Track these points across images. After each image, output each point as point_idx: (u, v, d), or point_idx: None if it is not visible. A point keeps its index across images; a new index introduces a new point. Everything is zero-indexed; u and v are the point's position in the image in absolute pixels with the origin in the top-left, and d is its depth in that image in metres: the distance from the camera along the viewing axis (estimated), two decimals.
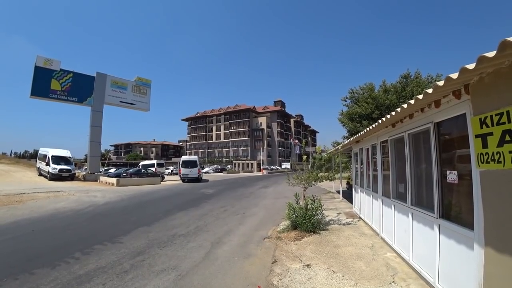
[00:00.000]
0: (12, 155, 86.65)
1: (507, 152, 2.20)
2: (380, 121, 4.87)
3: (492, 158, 2.38)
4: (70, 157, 26.27)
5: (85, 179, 26.11)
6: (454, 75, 2.25)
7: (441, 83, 2.47)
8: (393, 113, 4.05)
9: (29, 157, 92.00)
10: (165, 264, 4.82)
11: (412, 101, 3.21)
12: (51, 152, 24.97)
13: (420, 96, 2.94)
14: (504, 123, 2.23)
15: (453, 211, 3.37)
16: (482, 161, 2.52)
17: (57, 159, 24.51)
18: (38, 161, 28.04)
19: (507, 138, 2.19)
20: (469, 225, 2.79)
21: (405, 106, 3.45)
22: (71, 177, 24.39)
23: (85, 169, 34.56)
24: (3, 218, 8.70)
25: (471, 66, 2.05)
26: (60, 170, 23.62)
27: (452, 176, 3.22)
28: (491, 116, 2.38)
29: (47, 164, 24.12)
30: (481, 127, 2.52)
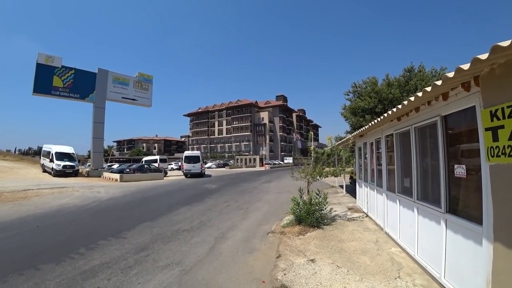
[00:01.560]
0: (17, 152, 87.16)
1: None
2: (385, 114, 4.79)
3: (503, 151, 2.31)
4: (73, 153, 26.38)
5: (88, 175, 26.25)
6: (465, 66, 2.18)
7: (451, 74, 2.40)
8: (399, 106, 3.98)
9: (33, 154, 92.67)
10: (169, 259, 4.83)
11: (419, 94, 3.13)
12: (54, 148, 25.08)
13: (428, 89, 2.86)
14: None
15: (461, 205, 3.32)
16: (492, 154, 2.46)
17: (61, 156, 24.63)
18: (42, 157, 28.20)
19: None
20: (478, 220, 2.74)
21: (412, 99, 3.38)
22: (75, 173, 24.52)
23: (89, 165, 34.75)
24: (8, 214, 8.76)
25: (483, 56, 1.97)
26: (64, 166, 23.76)
27: (460, 170, 3.16)
28: (503, 109, 2.30)
29: (51, 160, 24.25)
30: (492, 120, 2.45)
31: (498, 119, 2.37)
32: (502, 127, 2.33)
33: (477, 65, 2.14)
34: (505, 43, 1.76)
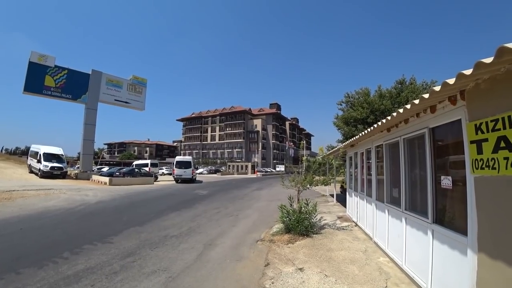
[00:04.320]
0: (3, 152, 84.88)
1: (501, 159, 2.21)
2: (375, 125, 4.88)
3: (487, 164, 2.38)
4: (62, 154, 25.87)
5: (77, 177, 25.73)
6: (451, 81, 2.26)
7: (437, 88, 2.47)
8: (388, 117, 4.06)
9: (20, 153, 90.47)
10: (156, 266, 4.74)
11: (408, 106, 3.21)
12: (43, 149, 24.56)
13: (416, 101, 2.94)
14: (499, 129, 2.24)
15: (447, 216, 3.37)
16: (476, 167, 2.53)
17: (49, 157, 24.09)
18: (29, 158, 27.57)
19: (502, 144, 2.20)
20: (463, 231, 2.79)
21: (401, 110, 3.46)
22: (63, 175, 23.99)
23: (78, 167, 34.13)
24: None
25: (468, 71, 2.05)
26: (52, 167, 23.23)
27: (446, 181, 3.23)
28: (487, 122, 2.38)
29: (39, 161, 23.71)
30: (476, 133, 2.52)
31: (483, 132, 2.44)
32: (486, 140, 2.40)
33: (462, 80, 2.21)
34: (487, 60, 1.83)
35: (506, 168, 2.16)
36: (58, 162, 24.28)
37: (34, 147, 26.98)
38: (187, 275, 4.39)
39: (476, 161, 2.53)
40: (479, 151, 2.48)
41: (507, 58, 1.82)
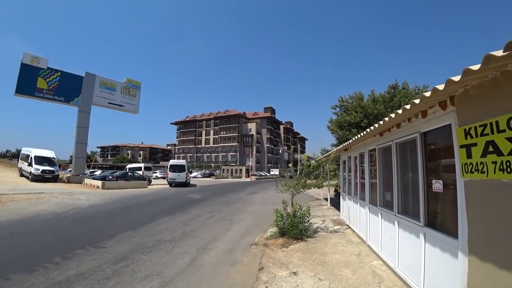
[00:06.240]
0: None
1: (490, 163, 2.26)
2: (368, 130, 4.94)
3: (476, 168, 2.43)
4: (54, 158, 25.50)
5: (69, 181, 25.37)
6: (441, 87, 2.31)
7: (428, 94, 2.53)
8: (381, 122, 4.12)
9: (11, 156, 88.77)
10: (149, 271, 4.70)
11: (400, 111, 3.27)
12: (34, 152, 24.19)
13: (408, 106, 3.00)
14: (487, 134, 2.29)
15: (438, 219, 3.43)
16: (466, 171, 2.58)
17: (40, 160, 23.74)
18: (20, 161, 27.12)
19: (491, 149, 2.25)
20: (454, 234, 2.84)
21: (393, 115, 3.51)
22: (54, 179, 23.64)
23: (70, 171, 33.64)
24: None
25: (456, 78, 2.10)
26: (43, 171, 22.86)
27: (437, 185, 3.28)
28: (475, 127, 2.44)
29: (30, 164, 23.31)
30: (466, 138, 2.58)
31: (472, 137, 2.50)
32: (475, 144, 2.46)
33: (451, 86, 2.27)
34: (475, 67, 1.89)
35: (495, 172, 2.21)
36: (49, 165, 23.92)
37: (25, 150, 26.58)
38: (180, 280, 4.35)
39: (466, 165, 2.58)
40: (469, 155, 2.54)
41: (493, 65, 1.88)
